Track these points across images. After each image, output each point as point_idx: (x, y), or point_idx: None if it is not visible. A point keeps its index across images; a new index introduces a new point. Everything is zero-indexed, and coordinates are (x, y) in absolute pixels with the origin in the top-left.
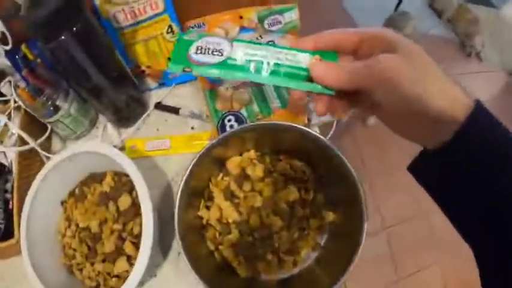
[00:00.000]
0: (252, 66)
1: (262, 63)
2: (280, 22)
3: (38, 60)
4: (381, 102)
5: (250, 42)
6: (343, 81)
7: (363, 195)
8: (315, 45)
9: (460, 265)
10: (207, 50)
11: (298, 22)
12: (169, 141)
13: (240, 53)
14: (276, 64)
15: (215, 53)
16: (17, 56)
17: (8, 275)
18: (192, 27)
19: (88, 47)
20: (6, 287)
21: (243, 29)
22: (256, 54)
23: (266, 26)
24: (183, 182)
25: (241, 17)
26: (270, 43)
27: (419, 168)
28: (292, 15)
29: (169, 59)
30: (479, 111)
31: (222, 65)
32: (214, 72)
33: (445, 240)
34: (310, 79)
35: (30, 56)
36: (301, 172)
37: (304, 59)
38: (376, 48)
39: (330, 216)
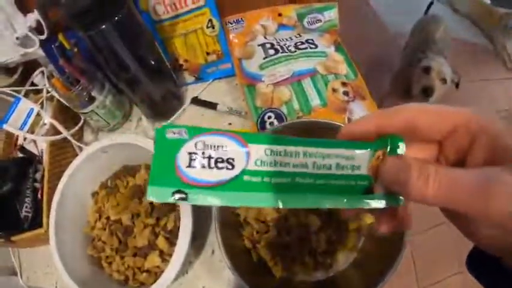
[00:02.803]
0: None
1: (297, 176)
2: (320, 20)
3: (75, 50)
4: (479, 231)
5: (275, 139)
6: (440, 199)
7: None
8: (377, 129)
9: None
10: (207, 160)
11: (337, 21)
12: None
13: (270, 161)
14: (322, 176)
15: (221, 164)
16: (52, 46)
17: (34, 264)
18: (231, 23)
19: (128, 38)
20: (31, 275)
21: (281, 26)
22: (288, 164)
23: (305, 24)
24: None
25: (280, 15)
26: (309, 141)
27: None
28: (331, 14)
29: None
30: None
31: (235, 184)
32: (222, 200)
33: (467, 250)
34: (371, 189)
35: (67, 45)
36: None
37: (363, 160)
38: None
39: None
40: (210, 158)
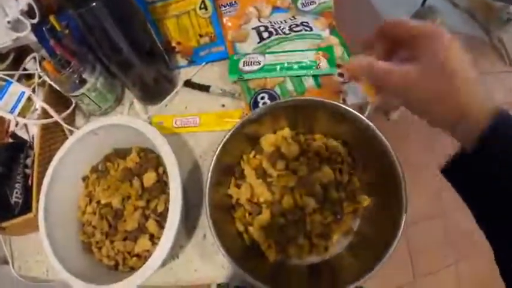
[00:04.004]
0: (278, 67)
1: (284, 63)
2: (314, 2)
3: (66, 31)
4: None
5: (275, 52)
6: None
7: (403, 181)
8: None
9: (477, 267)
10: (250, 63)
11: (331, 3)
12: (198, 118)
13: (270, 60)
14: (292, 62)
15: (255, 63)
16: (44, 28)
17: (25, 252)
18: (225, 6)
19: (120, 17)
20: (22, 263)
21: (276, 9)
22: (280, 59)
23: (300, 6)
24: (215, 158)
25: None
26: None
27: (453, 170)
28: None
29: (229, 70)
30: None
31: (261, 70)
32: (258, 75)
33: (462, 241)
34: (317, 66)
35: (58, 27)
36: (336, 153)
37: (310, 55)
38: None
39: (365, 200)
40: (251, 62)
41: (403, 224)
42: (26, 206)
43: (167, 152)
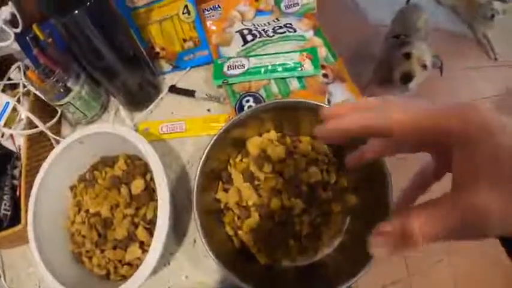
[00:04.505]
0: (262, 70)
1: (268, 66)
2: (297, 4)
3: (49, 40)
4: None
5: (259, 55)
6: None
7: (389, 179)
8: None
9: (471, 263)
10: (234, 66)
11: (314, 5)
12: (184, 123)
13: (254, 63)
14: (276, 65)
15: (239, 67)
16: (27, 37)
17: (16, 265)
18: (208, 10)
19: (102, 24)
20: (14, 277)
21: (259, 12)
22: (264, 62)
23: (283, 9)
24: (201, 164)
25: (257, 0)
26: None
27: None
28: None
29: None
30: None
31: (246, 73)
32: (243, 78)
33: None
34: (302, 68)
35: (41, 36)
36: (323, 154)
37: (294, 56)
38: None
39: (353, 199)
40: (235, 65)
41: (390, 218)
42: (15, 219)
43: (153, 159)
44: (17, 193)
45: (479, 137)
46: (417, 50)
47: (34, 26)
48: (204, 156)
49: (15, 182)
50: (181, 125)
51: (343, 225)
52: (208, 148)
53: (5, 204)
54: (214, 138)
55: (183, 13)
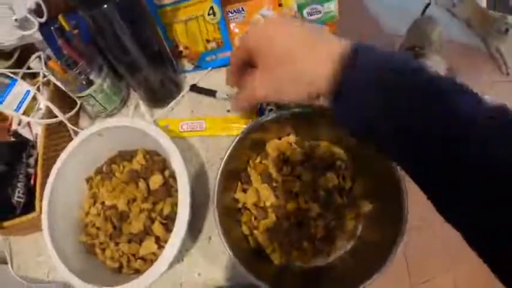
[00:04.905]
0: None
1: None
2: (319, 12)
3: (75, 31)
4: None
5: None
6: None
7: (405, 187)
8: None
9: (473, 273)
10: None
11: (337, 13)
12: (204, 122)
13: None
14: None
15: None
16: (52, 28)
17: (26, 253)
18: (232, 12)
19: (130, 20)
20: (22, 264)
21: None
22: None
23: (305, 15)
24: (223, 164)
25: (280, 5)
26: None
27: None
28: (331, 6)
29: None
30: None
31: None
32: None
33: (458, 248)
34: None
35: (67, 27)
36: (340, 160)
37: None
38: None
39: (367, 206)
40: None
41: (404, 230)
42: (28, 207)
43: (174, 153)
44: (31, 181)
45: (260, 37)
46: (431, 62)
47: (60, 17)
48: (226, 156)
49: (30, 170)
50: (202, 123)
51: (356, 230)
52: (230, 149)
53: (19, 192)
54: (236, 139)
55: (209, 14)
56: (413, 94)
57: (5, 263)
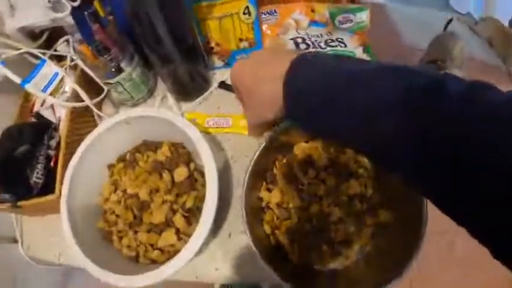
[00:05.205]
0: None
1: None
2: (351, 21)
3: (110, 18)
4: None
5: None
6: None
7: (425, 200)
8: None
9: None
10: None
11: (368, 23)
12: (231, 119)
13: None
14: None
15: None
16: (85, 12)
17: (37, 234)
18: (265, 14)
19: (168, 11)
20: (32, 245)
21: (313, 22)
22: None
23: (337, 23)
24: (252, 163)
25: (313, 11)
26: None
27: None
28: (363, 16)
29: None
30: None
31: None
32: None
33: (464, 259)
34: None
35: (102, 13)
36: (363, 168)
37: None
38: None
39: (385, 215)
40: None
41: (421, 244)
42: (46, 189)
43: (203, 145)
44: (51, 163)
45: (233, 80)
46: None
47: (96, 2)
48: (255, 157)
49: (51, 152)
50: (228, 120)
51: (373, 238)
52: (260, 150)
53: (37, 173)
54: (266, 140)
55: (244, 13)
56: (335, 83)
57: (15, 242)
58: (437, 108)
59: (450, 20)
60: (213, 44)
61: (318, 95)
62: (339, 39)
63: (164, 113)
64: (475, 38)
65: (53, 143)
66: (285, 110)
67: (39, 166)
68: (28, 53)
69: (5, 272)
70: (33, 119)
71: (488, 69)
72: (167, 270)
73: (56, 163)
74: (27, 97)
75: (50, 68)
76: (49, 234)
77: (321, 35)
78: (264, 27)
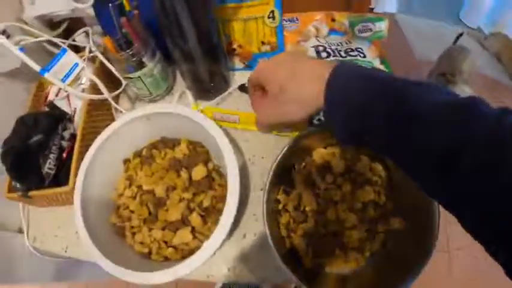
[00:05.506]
0: None
1: None
2: (370, 30)
3: (135, 12)
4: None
5: None
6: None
7: (437, 209)
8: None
9: None
10: None
11: (386, 33)
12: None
13: None
14: None
15: None
16: (110, 4)
17: (43, 226)
18: (286, 21)
19: (194, 9)
20: (38, 236)
21: (333, 31)
22: None
23: (356, 32)
24: (274, 166)
25: (333, 20)
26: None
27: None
28: (382, 26)
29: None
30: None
31: None
32: None
33: (463, 278)
34: None
35: (127, 6)
36: (378, 175)
37: None
38: None
39: (397, 223)
40: None
41: (434, 247)
42: (57, 180)
43: (223, 141)
44: (64, 154)
45: (262, 75)
46: (459, 91)
47: None
48: (278, 159)
49: (64, 143)
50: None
51: (385, 245)
52: (282, 152)
53: (50, 163)
54: (287, 145)
55: (269, 17)
56: (383, 96)
57: (21, 232)
58: None
59: (461, 34)
60: (235, 46)
61: (356, 104)
62: (358, 49)
63: (183, 109)
64: (484, 53)
65: (67, 134)
66: (324, 111)
67: (52, 156)
68: (47, 41)
69: (6, 263)
70: (47, 109)
71: (495, 85)
72: (183, 269)
73: (68, 155)
74: (40, 86)
75: (70, 57)
76: (56, 226)
77: (341, 44)
78: (285, 33)
